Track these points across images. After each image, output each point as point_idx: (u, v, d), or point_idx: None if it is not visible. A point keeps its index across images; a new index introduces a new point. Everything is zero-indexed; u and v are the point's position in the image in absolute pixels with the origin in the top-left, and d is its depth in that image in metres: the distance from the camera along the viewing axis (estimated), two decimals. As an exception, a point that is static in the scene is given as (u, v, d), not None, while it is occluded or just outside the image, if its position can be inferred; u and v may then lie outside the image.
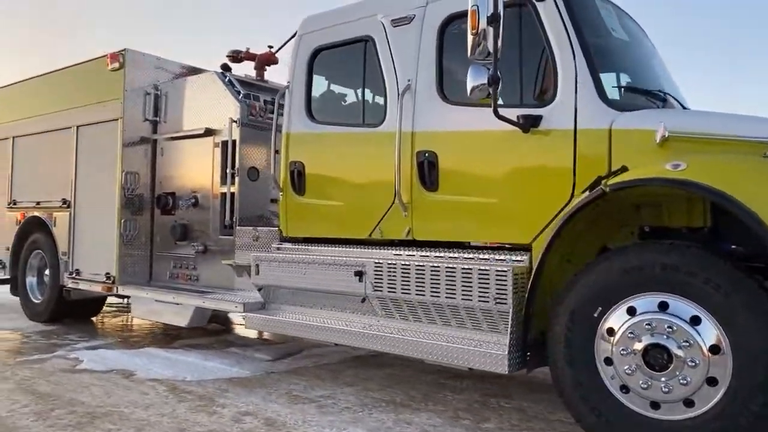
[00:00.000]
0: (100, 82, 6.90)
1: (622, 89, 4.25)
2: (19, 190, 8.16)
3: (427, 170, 4.37)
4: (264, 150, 6.17)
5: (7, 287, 8.55)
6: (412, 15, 4.64)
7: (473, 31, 3.63)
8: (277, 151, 6.33)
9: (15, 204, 8.17)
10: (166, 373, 5.13)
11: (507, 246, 4.09)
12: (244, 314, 5.31)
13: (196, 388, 4.69)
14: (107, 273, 6.69)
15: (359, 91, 5.17)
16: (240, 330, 7.49)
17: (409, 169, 4.46)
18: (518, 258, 3.93)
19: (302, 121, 5.23)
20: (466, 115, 4.24)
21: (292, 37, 6.93)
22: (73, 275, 7.12)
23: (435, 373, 5.23)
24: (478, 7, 3.61)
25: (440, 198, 4.33)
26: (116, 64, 6.68)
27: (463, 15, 4.33)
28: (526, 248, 3.94)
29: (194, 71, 7.17)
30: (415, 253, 4.42)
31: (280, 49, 7.04)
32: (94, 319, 8.06)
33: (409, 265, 4.22)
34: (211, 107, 6.20)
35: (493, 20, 3.60)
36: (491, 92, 3.65)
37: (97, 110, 6.94)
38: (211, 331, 7.27)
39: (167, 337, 6.94)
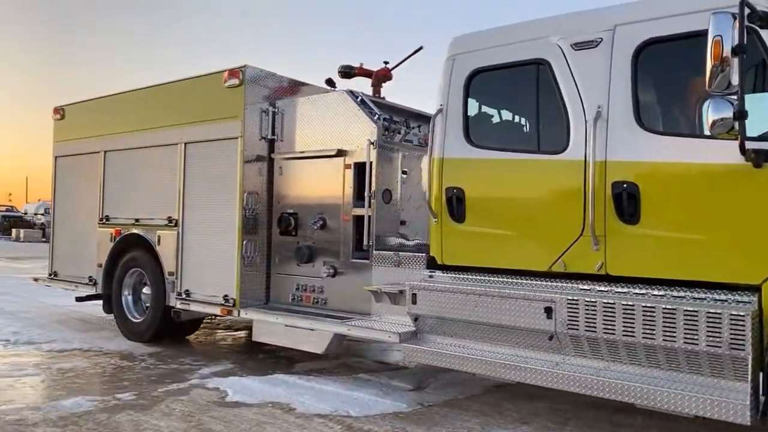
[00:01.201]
0: (215, 98, 6.70)
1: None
2: (112, 205, 7.98)
3: (626, 202, 4.17)
4: (392, 171, 6.02)
5: (90, 303, 8.44)
6: (599, 39, 4.44)
7: (715, 62, 3.45)
8: (404, 172, 6.22)
9: (107, 220, 7.99)
10: (324, 407, 4.95)
11: (716, 284, 3.90)
12: (401, 345, 5.12)
13: (372, 426, 4.51)
14: (225, 295, 6.50)
15: (529, 116, 4.98)
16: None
17: (602, 200, 4.27)
18: (746, 299, 3.74)
19: (461, 146, 5.04)
20: (674, 145, 4.05)
21: (413, 54, 6.83)
22: (183, 296, 6.93)
23: (597, 408, 5.04)
24: (722, 37, 3.43)
25: (641, 231, 4.14)
26: (235, 81, 6.48)
27: (661, 40, 4.20)
28: (750, 288, 3.76)
29: (305, 85, 7.02)
30: (611, 289, 4.23)
31: (397, 66, 6.89)
32: (189, 338, 7.88)
33: (614, 304, 4.03)
34: (343, 127, 6.02)
35: (738, 51, 3.42)
36: (737, 126, 3.47)
37: (211, 127, 6.74)
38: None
39: (279, 359, 6.76)
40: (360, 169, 5.95)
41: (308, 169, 6.34)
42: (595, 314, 4.12)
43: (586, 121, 4.39)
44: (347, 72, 6.96)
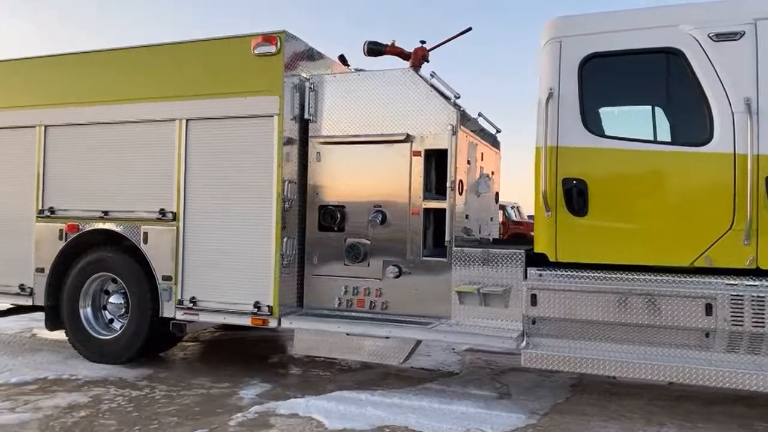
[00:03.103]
0: (239, 67, 5.59)
1: None
2: (59, 195, 6.36)
3: (781, 196, 4.20)
4: (462, 161, 5.52)
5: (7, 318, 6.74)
6: (741, 31, 4.41)
7: None
8: (468, 162, 5.76)
9: (52, 213, 6.35)
10: (451, 426, 4.34)
11: None
12: (521, 350, 4.67)
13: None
14: (257, 302, 5.47)
15: (658, 106, 4.80)
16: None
17: (755, 194, 4.24)
18: None
19: (579, 134, 4.73)
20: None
21: (460, 35, 6.33)
22: (187, 305, 5.72)
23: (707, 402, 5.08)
24: None
25: (799, 226, 4.19)
26: (271, 48, 5.46)
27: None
28: None
29: (334, 62, 6.21)
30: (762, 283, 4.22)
31: (438, 46, 6.33)
32: (162, 354, 6.57)
33: (787, 297, 4.03)
34: (410, 109, 5.35)
35: None
36: None
37: (230, 102, 5.62)
38: (324, 361, 6.29)
39: (309, 372, 5.90)
40: (431, 156, 5.37)
41: (359, 155, 5.55)
42: (763, 310, 4.09)
43: (733, 114, 4.34)
44: (377, 49, 6.23)
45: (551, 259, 4.80)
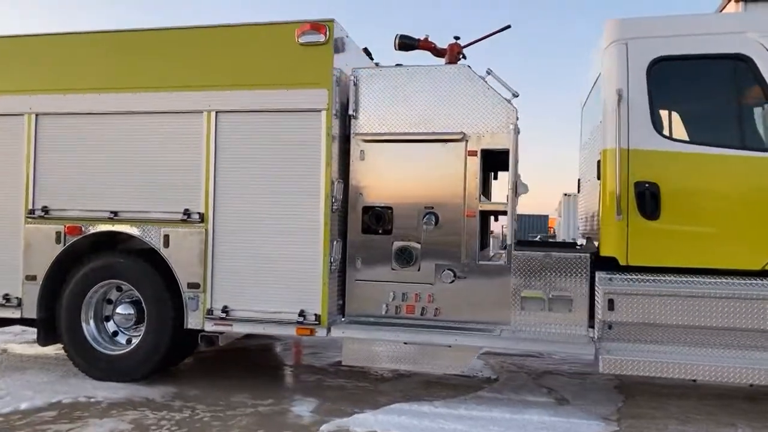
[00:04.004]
0: (280, 57, 5.15)
1: None
2: (54, 193, 5.65)
3: None
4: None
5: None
6: (807, 40, 4.54)
7: None
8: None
9: (47, 213, 5.62)
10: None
11: None
12: (600, 356, 4.58)
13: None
14: (302, 311, 5.07)
15: (726, 110, 4.84)
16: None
17: (831, 199, 4.39)
18: None
19: (650, 137, 4.72)
20: None
21: (498, 32, 6.20)
22: (218, 314, 5.22)
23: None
24: None
25: None
26: (320, 37, 5.07)
27: None
28: None
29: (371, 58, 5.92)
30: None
31: (473, 43, 6.16)
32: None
33: None
34: (466, 107, 5.14)
35: None
36: None
37: (270, 94, 5.18)
38: (358, 370, 5.99)
39: (347, 382, 5.56)
40: (488, 156, 5.19)
41: (408, 154, 5.27)
42: None
43: (806, 121, 4.46)
44: (409, 44, 5.97)
45: (621, 262, 4.75)
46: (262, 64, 5.21)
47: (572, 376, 6.00)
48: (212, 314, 5.24)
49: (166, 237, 5.35)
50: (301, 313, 5.07)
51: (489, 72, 5.27)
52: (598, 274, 4.79)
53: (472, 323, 5.08)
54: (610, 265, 4.81)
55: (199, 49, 5.35)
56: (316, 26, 5.08)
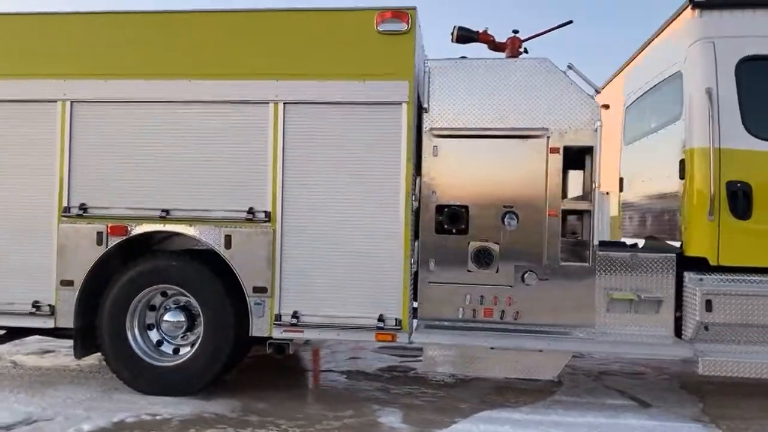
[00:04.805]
0: (358, 46, 4.84)
1: None
2: (93, 189, 5.13)
3: None
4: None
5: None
6: None
7: None
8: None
9: (85, 211, 5.10)
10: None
11: None
12: (699, 358, 4.51)
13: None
14: (381, 315, 4.79)
15: None
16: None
17: None
18: None
19: (741, 136, 4.70)
20: None
21: (559, 27, 6.08)
22: (288, 320, 4.86)
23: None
24: None
25: None
26: (402, 26, 4.78)
27: None
28: None
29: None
30: None
31: (533, 37, 6.00)
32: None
33: None
34: (547, 102, 4.98)
35: None
36: None
37: (344, 86, 4.86)
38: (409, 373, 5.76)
39: (424, 391, 5.31)
40: (570, 154, 5.05)
41: (486, 150, 5.06)
42: None
43: None
44: (467, 36, 5.78)
45: (712, 263, 4.71)
46: (335, 53, 4.88)
47: (629, 376, 5.96)
48: (281, 320, 4.88)
49: (228, 237, 4.94)
50: (380, 318, 4.79)
51: (570, 66, 5.12)
52: (687, 275, 4.75)
53: (554, 326, 4.93)
54: (695, 265, 4.77)
55: (267, 35, 4.95)
56: (398, 14, 4.80)
